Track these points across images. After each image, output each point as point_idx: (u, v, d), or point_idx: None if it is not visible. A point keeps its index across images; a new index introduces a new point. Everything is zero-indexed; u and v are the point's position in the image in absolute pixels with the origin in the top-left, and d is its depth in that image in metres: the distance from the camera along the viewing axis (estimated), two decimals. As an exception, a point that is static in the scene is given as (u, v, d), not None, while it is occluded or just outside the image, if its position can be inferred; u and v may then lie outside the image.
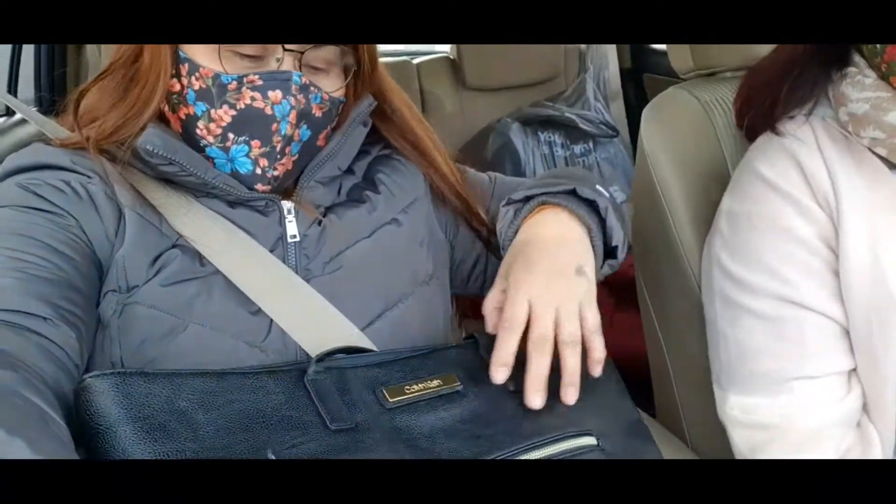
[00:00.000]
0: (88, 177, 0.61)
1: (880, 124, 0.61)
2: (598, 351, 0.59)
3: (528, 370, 0.56)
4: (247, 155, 0.63)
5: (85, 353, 0.54)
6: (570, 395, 0.58)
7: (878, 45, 0.61)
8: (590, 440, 0.58)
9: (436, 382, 0.57)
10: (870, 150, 0.64)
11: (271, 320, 0.61)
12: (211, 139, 0.63)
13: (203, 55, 0.62)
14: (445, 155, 0.78)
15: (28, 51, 1.66)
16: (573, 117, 1.83)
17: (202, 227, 0.62)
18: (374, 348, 0.62)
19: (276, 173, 0.64)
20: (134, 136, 0.62)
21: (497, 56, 1.98)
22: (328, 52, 0.65)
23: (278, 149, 0.63)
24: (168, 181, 0.64)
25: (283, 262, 0.63)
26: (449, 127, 1.94)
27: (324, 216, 0.67)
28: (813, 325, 0.65)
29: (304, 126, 0.65)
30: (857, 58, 0.65)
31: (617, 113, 2.01)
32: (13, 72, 1.64)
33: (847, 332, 0.65)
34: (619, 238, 0.67)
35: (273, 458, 0.45)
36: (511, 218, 0.67)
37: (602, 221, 0.66)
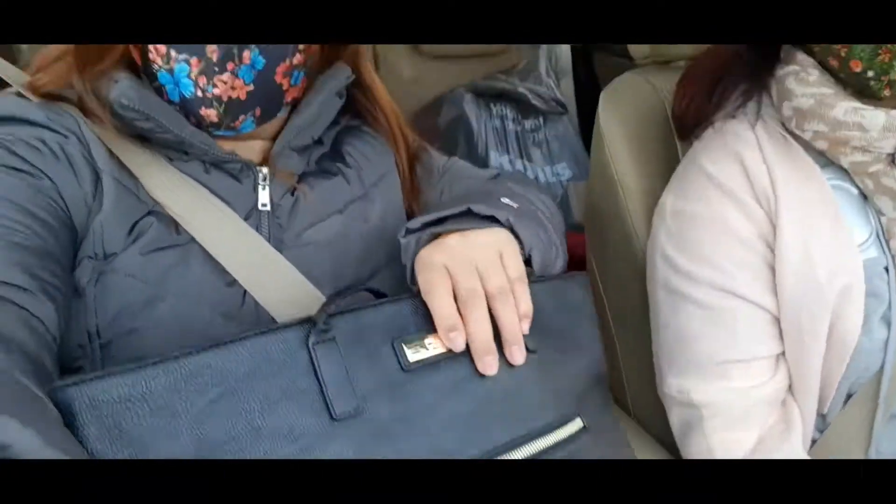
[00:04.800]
0: (65, 136, 0.59)
1: (824, 118, 0.65)
2: (524, 303, 0.55)
3: (467, 332, 0.51)
4: (188, 75, 0.60)
5: (62, 325, 0.52)
6: (514, 354, 0.53)
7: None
8: (577, 423, 0.57)
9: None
10: (805, 147, 0.69)
11: (245, 291, 0.61)
12: (160, 61, 0.60)
13: None
14: (409, 136, 0.79)
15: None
16: (525, 92, 1.86)
17: (177, 192, 0.61)
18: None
19: (216, 91, 0.60)
20: (108, 84, 0.60)
21: (452, 26, 1.98)
22: None
23: (214, 60, 0.59)
24: (142, 139, 0.62)
25: (258, 230, 0.64)
26: (404, 94, 1.94)
27: (297, 186, 0.67)
28: (745, 314, 0.70)
29: (256, 51, 0.61)
30: (800, 56, 0.69)
31: (566, 90, 2.04)
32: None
33: (777, 320, 0.70)
34: (532, 243, 0.59)
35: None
36: (413, 249, 0.59)
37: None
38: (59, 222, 0.56)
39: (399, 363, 0.50)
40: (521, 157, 1.85)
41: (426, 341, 0.52)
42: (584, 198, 1.00)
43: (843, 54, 0.64)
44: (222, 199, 0.63)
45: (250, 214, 0.64)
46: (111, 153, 0.60)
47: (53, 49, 0.65)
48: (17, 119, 0.58)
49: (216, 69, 0.60)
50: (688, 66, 0.80)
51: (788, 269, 0.66)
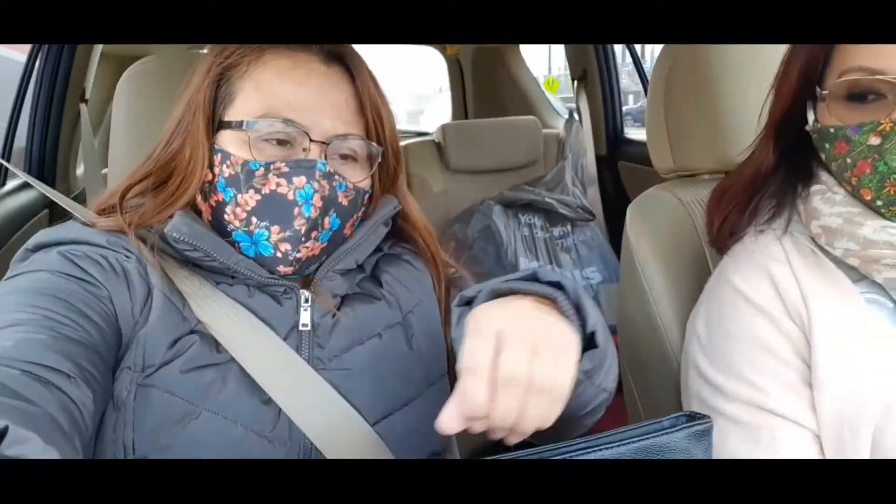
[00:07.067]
0: (126, 256, 0.64)
1: (854, 236, 0.66)
2: (538, 423, 0.47)
3: (490, 416, 0.45)
4: (266, 239, 0.66)
5: (97, 416, 0.56)
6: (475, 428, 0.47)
7: (847, 162, 0.65)
8: None
9: None
10: (835, 262, 0.69)
11: (280, 410, 0.63)
12: (237, 223, 0.66)
13: (234, 145, 0.66)
14: (444, 264, 0.82)
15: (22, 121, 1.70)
16: (552, 202, 1.93)
17: (221, 314, 0.65)
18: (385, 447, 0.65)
19: (298, 255, 0.66)
20: (163, 222, 0.66)
21: (479, 141, 2.09)
22: (353, 143, 0.69)
23: (302, 231, 0.65)
24: (194, 265, 0.67)
25: (297, 350, 0.66)
26: (434, 206, 2.02)
27: (339, 307, 0.70)
28: (785, 432, 0.68)
29: (334, 214, 0.68)
30: (824, 176, 0.71)
31: (593, 198, 2.11)
32: (8, 141, 1.67)
33: (817, 437, 0.67)
34: (595, 321, 0.53)
35: None
36: (459, 314, 0.56)
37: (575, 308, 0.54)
38: (108, 325, 0.60)
39: None
40: (551, 263, 1.89)
41: None
42: (616, 304, 1.02)
43: (853, 182, 0.66)
44: (263, 320, 0.66)
45: (290, 334, 0.67)
46: (165, 273, 0.65)
47: (112, 196, 0.70)
48: (80, 241, 0.64)
49: (302, 238, 0.66)
50: (719, 183, 0.82)
51: (827, 388, 0.65)
